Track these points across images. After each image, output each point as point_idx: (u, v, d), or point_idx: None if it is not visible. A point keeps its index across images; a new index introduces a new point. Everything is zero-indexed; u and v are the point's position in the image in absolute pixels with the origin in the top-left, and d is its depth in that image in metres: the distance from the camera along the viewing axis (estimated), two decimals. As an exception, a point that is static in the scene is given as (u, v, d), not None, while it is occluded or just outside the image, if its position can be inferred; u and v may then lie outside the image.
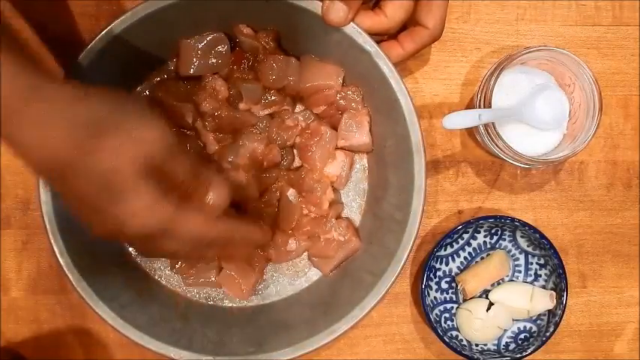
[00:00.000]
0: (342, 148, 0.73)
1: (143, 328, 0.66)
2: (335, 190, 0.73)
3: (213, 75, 0.71)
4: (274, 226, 0.73)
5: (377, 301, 0.66)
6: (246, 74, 0.72)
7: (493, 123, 0.68)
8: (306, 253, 0.74)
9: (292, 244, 0.72)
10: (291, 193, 0.72)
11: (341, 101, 0.71)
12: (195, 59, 0.71)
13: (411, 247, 0.66)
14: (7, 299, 0.73)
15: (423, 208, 0.66)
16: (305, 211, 0.72)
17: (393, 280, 0.66)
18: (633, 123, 0.78)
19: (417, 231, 0.66)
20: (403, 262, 0.66)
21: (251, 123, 0.72)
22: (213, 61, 0.71)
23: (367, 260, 0.71)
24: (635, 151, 0.77)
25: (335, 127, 0.72)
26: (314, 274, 0.74)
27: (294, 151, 0.74)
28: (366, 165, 0.75)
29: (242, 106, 0.72)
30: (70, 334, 0.73)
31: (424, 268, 0.71)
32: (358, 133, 0.71)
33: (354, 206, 0.75)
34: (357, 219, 0.75)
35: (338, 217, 0.73)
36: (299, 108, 0.74)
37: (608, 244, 0.78)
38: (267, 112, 0.72)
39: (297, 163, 0.74)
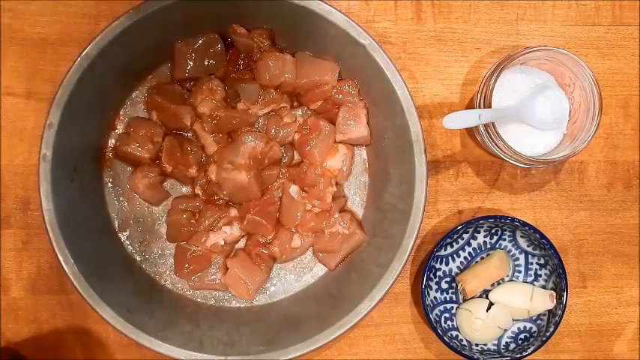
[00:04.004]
0: (340, 142, 0.73)
1: (151, 332, 0.66)
2: (337, 183, 0.73)
3: (209, 76, 0.72)
4: (278, 224, 0.73)
5: (385, 292, 0.67)
6: (242, 74, 0.72)
7: (493, 123, 0.68)
8: (311, 249, 0.75)
9: (297, 240, 0.73)
10: (293, 189, 0.72)
11: (337, 96, 0.72)
12: (189, 62, 0.71)
13: (416, 236, 0.66)
14: (7, 299, 0.73)
15: (426, 197, 0.66)
16: (308, 207, 0.72)
17: (399, 270, 0.66)
18: (633, 123, 0.77)
19: (421, 220, 0.66)
20: (409, 251, 0.66)
21: (249, 122, 0.72)
22: (208, 62, 0.71)
23: (372, 252, 0.71)
24: (635, 151, 0.77)
25: (332, 122, 0.73)
26: (320, 270, 0.75)
27: (294, 147, 0.74)
28: (366, 158, 0.75)
29: (240, 105, 0.72)
30: (70, 334, 0.73)
31: (424, 268, 0.71)
32: (356, 127, 0.72)
33: (356, 200, 0.75)
34: (359, 212, 0.75)
35: (342, 210, 0.74)
36: (296, 105, 0.75)
37: (608, 244, 0.78)
38: (265, 110, 0.73)
39: (297, 159, 0.75)
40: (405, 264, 0.67)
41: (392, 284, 0.67)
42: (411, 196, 0.67)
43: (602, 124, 0.70)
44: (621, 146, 0.77)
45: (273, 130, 0.72)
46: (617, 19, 0.77)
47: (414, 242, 0.67)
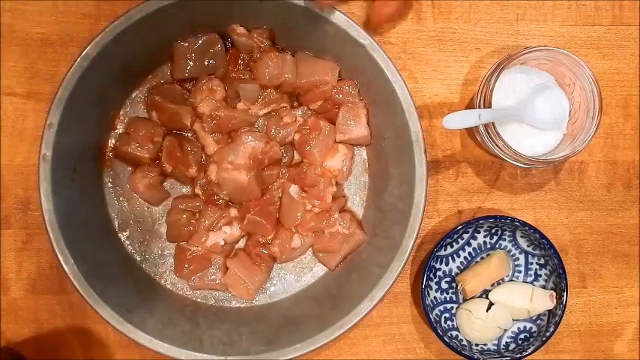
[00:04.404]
0: (340, 142, 0.73)
1: (151, 332, 0.66)
2: (337, 183, 0.73)
3: (209, 76, 0.71)
4: (278, 224, 0.73)
5: (385, 292, 0.67)
6: (242, 74, 0.72)
7: (493, 123, 0.68)
8: (311, 249, 0.75)
9: (297, 240, 0.73)
10: (293, 189, 0.72)
11: (337, 96, 0.72)
12: (189, 61, 0.71)
13: (416, 236, 0.66)
14: (7, 299, 0.73)
15: (426, 197, 0.66)
16: (308, 207, 0.72)
17: (399, 270, 0.66)
18: (633, 123, 0.77)
19: (421, 220, 0.66)
20: (409, 251, 0.66)
21: (249, 122, 0.72)
22: (209, 62, 0.71)
23: (372, 252, 0.72)
24: (635, 151, 0.77)
25: (332, 122, 0.73)
26: (320, 270, 0.75)
27: (294, 147, 0.74)
28: (366, 158, 0.75)
29: (240, 105, 0.72)
30: (70, 334, 0.73)
31: (424, 268, 0.71)
32: (356, 127, 0.72)
33: (356, 200, 0.75)
34: (359, 212, 0.75)
35: (342, 210, 0.74)
36: (296, 105, 0.75)
37: (608, 244, 0.78)
38: (265, 110, 0.73)
39: (297, 159, 0.75)
40: (405, 264, 0.67)
41: (392, 284, 0.67)
42: (411, 196, 0.67)
43: (602, 124, 0.70)
44: (621, 146, 0.77)
45: (273, 130, 0.72)
46: (617, 19, 0.77)
47: (414, 242, 0.67)
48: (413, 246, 0.67)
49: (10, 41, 0.73)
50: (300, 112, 0.74)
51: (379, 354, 0.75)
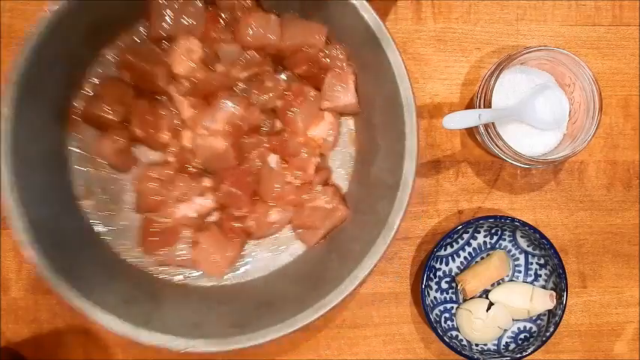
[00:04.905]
0: (326, 110, 0.68)
1: (111, 310, 0.61)
2: (321, 155, 0.68)
3: (186, 35, 0.66)
4: (255, 197, 0.68)
5: (368, 273, 0.61)
6: (222, 34, 0.67)
7: (493, 123, 0.68)
8: (289, 226, 0.69)
9: (275, 214, 0.67)
10: (272, 158, 0.67)
11: (324, 60, 0.66)
12: (167, 19, 0.65)
13: (404, 212, 0.61)
14: (7, 299, 0.73)
15: (416, 171, 0.62)
16: (289, 179, 0.67)
17: (384, 249, 0.61)
18: (633, 123, 0.78)
19: (410, 196, 0.61)
20: (395, 229, 0.61)
21: (228, 86, 0.67)
22: (187, 20, 0.66)
23: (356, 230, 0.66)
24: (635, 151, 0.77)
25: (318, 88, 0.68)
26: (298, 248, 0.69)
27: (276, 114, 0.69)
28: (353, 128, 0.70)
29: (219, 68, 0.67)
30: (70, 334, 0.73)
31: (424, 268, 0.71)
32: (343, 94, 0.67)
33: (340, 173, 0.70)
34: (344, 186, 0.70)
35: (325, 183, 0.69)
36: (280, 69, 0.69)
37: (608, 244, 0.78)
38: (246, 74, 0.67)
39: (279, 127, 0.69)
40: (391, 242, 0.62)
41: (376, 264, 0.62)
42: (400, 168, 0.61)
43: (602, 124, 0.70)
44: (621, 146, 0.77)
45: (253, 95, 0.67)
46: (617, 19, 0.77)
47: (402, 219, 0.62)
48: (400, 223, 0.61)
49: (10, 41, 0.73)
50: (284, 77, 0.69)
51: (379, 354, 0.75)
